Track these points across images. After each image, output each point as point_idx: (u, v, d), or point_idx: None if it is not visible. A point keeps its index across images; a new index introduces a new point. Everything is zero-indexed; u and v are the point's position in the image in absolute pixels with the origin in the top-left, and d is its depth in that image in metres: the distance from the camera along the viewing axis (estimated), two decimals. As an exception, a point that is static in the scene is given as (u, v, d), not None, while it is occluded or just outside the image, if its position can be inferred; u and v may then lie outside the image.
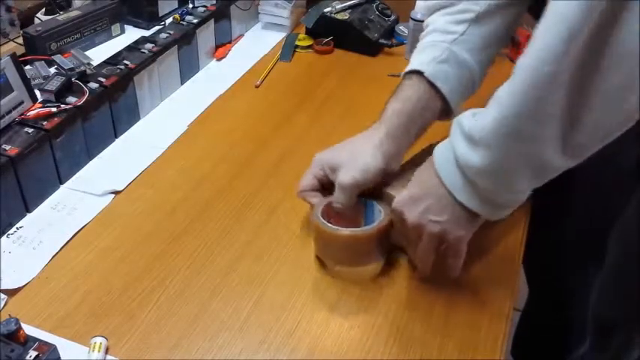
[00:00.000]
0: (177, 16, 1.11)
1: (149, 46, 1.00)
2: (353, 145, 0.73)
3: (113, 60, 0.96)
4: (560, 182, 0.94)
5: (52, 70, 0.98)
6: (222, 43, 1.21)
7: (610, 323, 0.90)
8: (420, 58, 0.73)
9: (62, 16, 1.06)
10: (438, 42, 0.73)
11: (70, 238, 0.76)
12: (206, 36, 1.14)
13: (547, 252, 1.02)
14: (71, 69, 0.95)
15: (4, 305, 0.67)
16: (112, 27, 1.13)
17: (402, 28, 1.24)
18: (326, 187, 0.74)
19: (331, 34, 1.23)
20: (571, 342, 1.01)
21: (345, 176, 0.69)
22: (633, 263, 0.82)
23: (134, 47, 1.00)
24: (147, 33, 1.08)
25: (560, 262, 1.02)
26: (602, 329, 0.92)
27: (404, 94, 0.72)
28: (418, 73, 0.72)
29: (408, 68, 0.74)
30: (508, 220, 0.80)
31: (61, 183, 0.85)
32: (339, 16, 1.23)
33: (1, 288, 0.68)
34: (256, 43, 1.26)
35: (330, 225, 0.69)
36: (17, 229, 0.77)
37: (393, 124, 0.71)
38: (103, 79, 0.91)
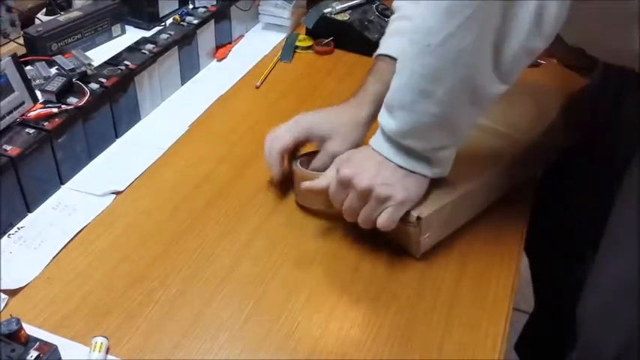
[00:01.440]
0: (177, 17, 1.11)
1: (150, 46, 1.01)
2: (341, 117, 0.81)
3: (114, 60, 0.96)
4: (561, 179, 0.95)
5: (53, 70, 0.98)
6: (223, 44, 1.21)
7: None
8: (392, 44, 0.81)
9: (63, 17, 1.06)
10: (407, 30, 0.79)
11: (71, 239, 0.76)
12: (206, 37, 1.14)
13: (549, 249, 1.03)
14: (72, 69, 0.95)
15: (5, 305, 0.67)
16: (113, 27, 1.14)
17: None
18: (296, 149, 0.83)
19: (331, 34, 1.23)
20: (571, 343, 1.01)
21: (339, 147, 0.78)
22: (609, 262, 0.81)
23: (135, 48, 1.00)
24: (147, 34, 1.08)
25: (563, 260, 1.02)
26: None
27: (385, 78, 0.78)
28: (392, 57, 0.80)
29: (383, 51, 0.82)
30: (508, 219, 0.81)
31: (62, 183, 0.85)
32: (339, 17, 1.23)
33: (2, 288, 0.68)
34: (256, 43, 1.26)
35: (310, 172, 0.79)
36: (18, 229, 0.77)
37: (377, 105, 0.78)
38: (103, 80, 0.91)
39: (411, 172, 0.70)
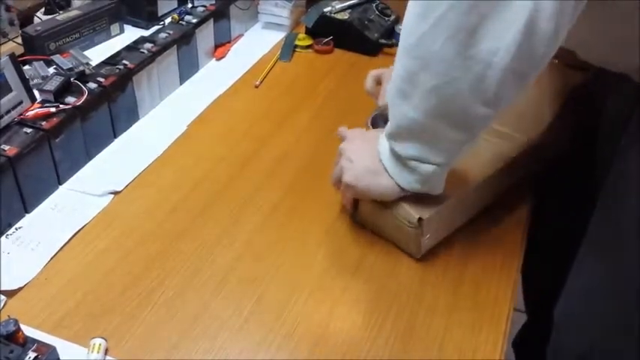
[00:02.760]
0: (175, 15, 1.10)
1: (148, 45, 1.00)
2: None
3: (112, 60, 0.96)
4: (561, 182, 0.94)
5: (51, 70, 0.98)
6: (222, 43, 1.21)
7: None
8: None
9: (61, 16, 1.06)
10: None
11: (70, 239, 0.76)
12: (205, 36, 1.14)
13: (542, 252, 1.02)
14: (70, 69, 0.95)
15: (4, 306, 0.67)
16: (111, 27, 1.13)
17: (401, 28, 1.24)
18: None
19: (331, 33, 1.22)
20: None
21: None
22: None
23: (133, 47, 1.00)
24: (146, 33, 1.08)
25: (553, 263, 1.01)
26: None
27: None
28: None
29: None
30: (508, 220, 0.81)
31: (60, 183, 0.84)
32: (339, 16, 1.23)
33: (0, 289, 0.68)
34: (256, 42, 1.25)
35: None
36: (16, 229, 0.77)
37: None
38: (102, 79, 0.90)
39: (387, 172, 0.70)
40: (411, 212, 0.71)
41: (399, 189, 0.71)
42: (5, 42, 1.04)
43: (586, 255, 0.76)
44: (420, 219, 0.70)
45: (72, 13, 1.07)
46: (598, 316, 0.75)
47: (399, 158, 0.69)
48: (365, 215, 0.77)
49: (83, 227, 0.78)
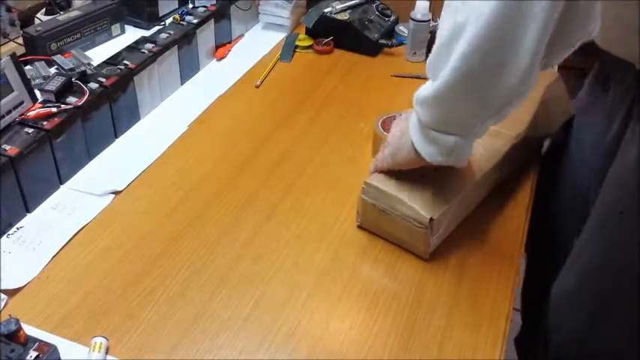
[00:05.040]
0: (176, 16, 1.11)
1: (149, 46, 1.01)
2: None
3: (113, 60, 0.96)
4: (560, 180, 0.94)
5: (52, 70, 0.98)
6: (223, 43, 1.21)
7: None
8: None
9: (62, 16, 1.06)
10: None
11: (71, 238, 0.76)
12: (206, 36, 1.14)
13: (539, 247, 1.03)
14: (71, 69, 0.95)
15: (5, 305, 0.67)
16: (112, 27, 1.14)
17: (401, 29, 1.24)
18: None
19: (331, 34, 1.23)
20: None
21: None
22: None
23: (134, 47, 1.00)
24: (147, 33, 1.08)
25: (550, 257, 1.02)
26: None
27: None
28: None
29: None
30: (508, 220, 0.81)
31: (62, 183, 0.85)
32: (339, 17, 1.23)
33: (2, 288, 0.68)
34: (256, 43, 1.26)
35: (386, 133, 0.83)
36: (17, 229, 0.77)
37: None
38: (103, 79, 0.91)
39: (413, 145, 0.70)
40: (422, 213, 0.71)
41: (415, 155, 0.70)
42: (6, 42, 1.05)
43: (588, 239, 0.77)
44: (431, 219, 0.70)
45: (73, 13, 1.08)
46: (597, 293, 0.76)
47: (422, 128, 0.68)
48: (369, 220, 0.77)
49: (84, 227, 0.78)
